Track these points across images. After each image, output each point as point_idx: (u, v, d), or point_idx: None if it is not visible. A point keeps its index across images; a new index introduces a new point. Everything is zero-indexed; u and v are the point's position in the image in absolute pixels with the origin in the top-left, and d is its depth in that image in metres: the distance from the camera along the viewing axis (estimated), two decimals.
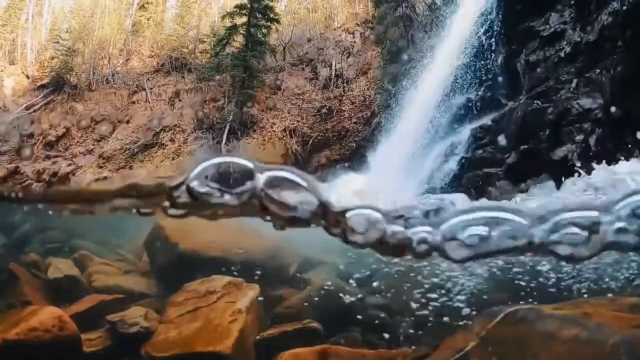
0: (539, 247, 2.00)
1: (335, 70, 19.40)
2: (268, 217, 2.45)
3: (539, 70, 11.44)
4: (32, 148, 18.44)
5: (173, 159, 17.80)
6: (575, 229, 1.95)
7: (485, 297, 3.69)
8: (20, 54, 22.02)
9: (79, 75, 20.33)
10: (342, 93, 18.83)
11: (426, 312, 4.25)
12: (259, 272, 5.11)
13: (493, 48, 13.11)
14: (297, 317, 4.70)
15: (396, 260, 4.88)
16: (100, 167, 17.93)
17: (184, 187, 2.41)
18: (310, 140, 17.69)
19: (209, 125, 18.30)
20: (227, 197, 2.42)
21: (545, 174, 9.18)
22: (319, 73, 19.57)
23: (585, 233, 1.94)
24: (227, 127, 17.72)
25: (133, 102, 19.84)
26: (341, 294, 4.95)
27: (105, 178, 17.16)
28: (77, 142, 18.86)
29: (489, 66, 13.07)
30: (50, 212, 4.56)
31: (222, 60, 18.73)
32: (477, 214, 2.01)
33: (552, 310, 2.79)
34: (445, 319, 3.69)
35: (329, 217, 2.40)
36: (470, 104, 12.90)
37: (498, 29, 12.98)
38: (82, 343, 4.04)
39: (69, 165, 18.08)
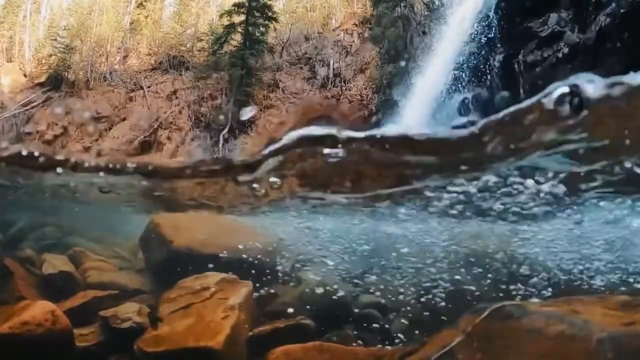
0: None
1: (334, 69, 19.40)
2: None
3: (536, 70, 11.45)
4: (29, 145, 18.39)
5: (170, 157, 17.77)
6: None
7: None
8: (17, 51, 21.95)
9: (76, 73, 20.25)
10: (340, 92, 18.83)
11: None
12: (252, 270, 5.13)
13: (491, 48, 13.11)
14: (290, 315, 4.72)
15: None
16: None
17: None
18: None
19: (206, 124, 18.29)
20: None
21: None
22: (317, 72, 19.56)
23: None
24: (226, 126, 17.71)
25: (131, 100, 19.79)
26: (334, 292, 4.97)
27: None
28: (75, 140, 18.82)
29: (486, 66, 13.08)
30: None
31: (220, 59, 18.70)
32: None
33: (540, 307, 2.81)
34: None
35: None
36: (467, 104, 12.91)
37: (496, 29, 12.99)
38: (75, 337, 4.05)
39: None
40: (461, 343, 2.55)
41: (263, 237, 5.57)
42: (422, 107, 13.48)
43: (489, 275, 4.67)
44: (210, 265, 5.09)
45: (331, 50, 19.85)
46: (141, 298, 5.26)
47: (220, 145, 17.46)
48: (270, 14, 18.61)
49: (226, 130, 17.67)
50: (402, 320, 4.48)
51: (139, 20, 22.50)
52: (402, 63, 15.05)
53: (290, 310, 4.69)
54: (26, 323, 3.69)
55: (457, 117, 12.81)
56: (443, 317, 3.94)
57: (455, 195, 3.48)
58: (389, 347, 3.91)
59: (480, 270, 4.73)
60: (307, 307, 4.78)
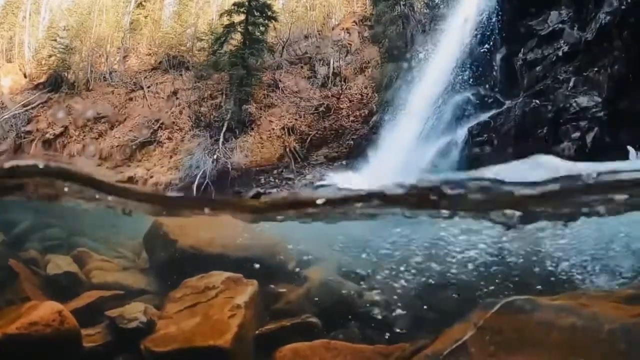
0: None
1: (334, 68, 19.40)
2: None
3: (537, 69, 11.48)
4: (29, 146, 18.40)
5: (171, 157, 17.76)
6: None
7: None
8: (17, 52, 21.93)
9: (76, 74, 20.22)
10: (340, 91, 18.83)
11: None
12: (257, 268, 5.13)
13: (491, 46, 13.13)
14: (296, 313, 4.73)
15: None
16: (98, 166, 17.89)
17: None
18: (309, 139, 17.67)
19: (206, 124, 18.27)
20: None
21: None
22: (317, 71, 19.56)
23: None
24: (225, 126, 17.69)
25: (131, 100, 19.78)
26: (340, 290, 4.98)
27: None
28: (75, 140, 18.81)
29: (487, 64, 13.09)
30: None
31: (220, 58, 18.67)
32: None
33: (549, 301, 2.84)
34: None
35: None
36: (468, 102, 12.92)
37: (497, 27, 13.00)
38: (82, 338, 4.05)
39: (67, 164, 18.00)
40: (473, 337, 2.58)
41: (268, 235, 5.57)
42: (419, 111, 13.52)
43: None
44: (216, 264, 5.10)
45: (331, 49, 19.84)
46: (146, 298, 5.27)
47: (220, 145, 17.45)
48: (270, 13, 18.58)
49: (225, 129, 17.67)
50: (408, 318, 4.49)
51: (138, 20, 22.47)
52: (404, 64, 15.06)
53: (296, 308, 4.71)
54: (34, 323, 3.69)
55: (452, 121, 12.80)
56: None
57: None
58: (396, 344, 3.93)
59: None
60: (313, 305, 4.79)
